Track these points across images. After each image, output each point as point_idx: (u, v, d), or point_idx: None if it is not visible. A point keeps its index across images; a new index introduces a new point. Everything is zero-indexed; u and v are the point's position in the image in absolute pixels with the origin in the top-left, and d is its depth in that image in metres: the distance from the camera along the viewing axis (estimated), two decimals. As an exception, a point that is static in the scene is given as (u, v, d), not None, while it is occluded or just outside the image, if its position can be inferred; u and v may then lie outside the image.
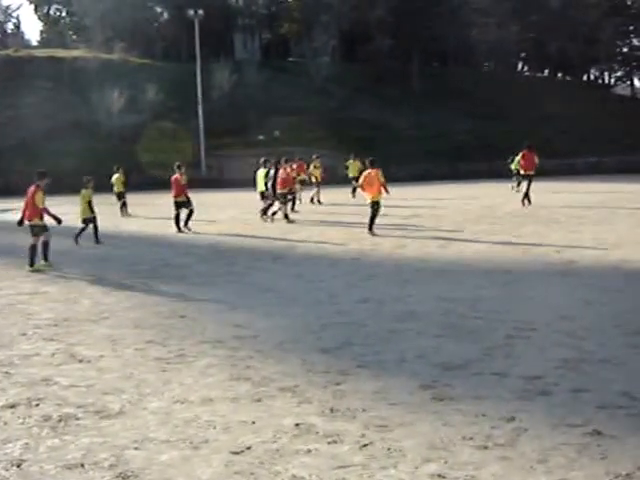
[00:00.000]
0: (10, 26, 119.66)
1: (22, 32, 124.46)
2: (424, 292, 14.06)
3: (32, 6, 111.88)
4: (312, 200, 38.75)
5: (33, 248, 18.90)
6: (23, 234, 23.54)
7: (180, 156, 58.79)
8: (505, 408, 7.45)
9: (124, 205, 36.72)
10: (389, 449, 6.51)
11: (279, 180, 29.58)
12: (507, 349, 9.73)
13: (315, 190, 39.35)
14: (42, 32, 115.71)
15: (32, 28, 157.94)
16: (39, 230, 19.12)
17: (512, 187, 42.53)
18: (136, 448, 6.67)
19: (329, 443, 6.69)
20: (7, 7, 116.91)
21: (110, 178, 37.50)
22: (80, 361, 9.65)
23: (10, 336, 11.17)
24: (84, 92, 70.62)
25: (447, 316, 11.80)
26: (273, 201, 29.80)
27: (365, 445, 6.62)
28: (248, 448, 6.60)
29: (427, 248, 20.37)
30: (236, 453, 6.50)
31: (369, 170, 24.22)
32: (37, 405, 7.90)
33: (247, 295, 14.35)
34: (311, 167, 40.81)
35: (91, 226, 24.29)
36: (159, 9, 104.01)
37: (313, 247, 21.55)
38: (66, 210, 38.94)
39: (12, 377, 8.99)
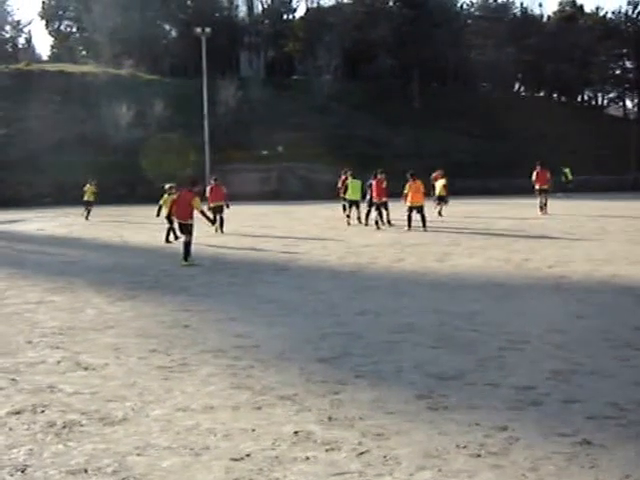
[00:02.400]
0: (21, 41, 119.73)
1: (33, 47, 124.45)
2: (421, 305, 14.19)
3: (43, 22, 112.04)
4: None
5: (187, 244, 21.61)
6: (30, 245, 23.78)
7: (191, 170, 59.30)
8: (498, 418, 7.56)
9: (89, 213, 42.10)
10: (385, 457, 6.61)
11: (375, 190, 32.77)
12: (500, 360, 9.85)
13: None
14: (52, 47, 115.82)
15: (43, 43, 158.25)
16: (191, 229, 21.87)
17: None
18: (138, 454, 6.75)
19: (327, 451, 6.79)
20: (18, 22, 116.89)
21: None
22: (85, 369, 9.73)
23: (16, 344, 11.24)
24: (92, 106, 70.65)
25: (442, 328, 11.92)
26: (370, 210, 33.06)
27: (362, 453, 6.72)
28: (248, 455, 6.69)
29: (424, 262, 20.48)
30: (236, 460, 6.58)
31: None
32: (42, 412, 7.97)
33: (249, 306, 14.46)
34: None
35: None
36: (167, 27, 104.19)
37: (314, 260, 21.61)
38: (71, 221, 39.35)
39: (18, 384, 9.06)
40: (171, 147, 66.48)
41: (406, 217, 30.78)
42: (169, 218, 26.10)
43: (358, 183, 34.39)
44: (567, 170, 60.36)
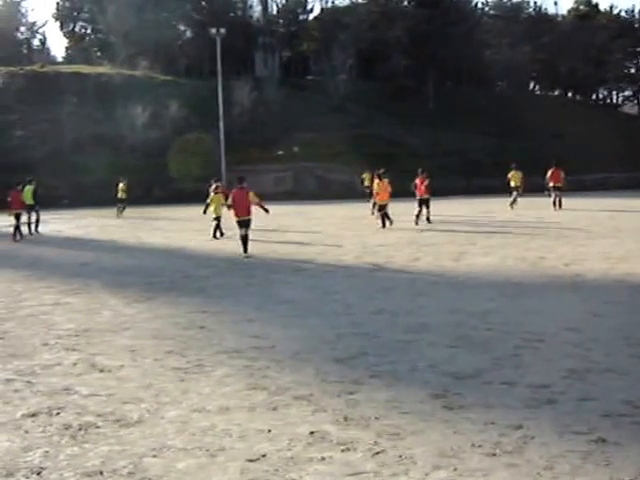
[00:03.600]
0: (36, 42, 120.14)
1: (48, 48, 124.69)
2: (436, 304, 14.17)
3: (58, 23, 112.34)
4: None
5: (245, 238, 23.36)
6: (47, 246, 23.82)
7: (206, 170, 59.49)
8: (513, 416, 7.55)
9: (122, 209, 45.63)
10: (401, 456, 6.61)
11: (418, 188, 34.03)
12: (516, 359, 9.83)
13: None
14: (67, 48, 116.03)
15: (58, 45, 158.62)
16: (249, 223, 23.70)
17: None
18: (154, 456, 6.76)
19: (342, 451, 6.78)
20: (33, 24, 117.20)
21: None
22: (100, 371, 9.75)
23: (32, 346, 11.27)
24: (108, 107, 70.76)
25: (458, 327, 11.90)
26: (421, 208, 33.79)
27: (377, 453, 6.72)
28: (263, 456, 6.69)
29: (440, 261, 20.44)
30: (251, 461, 6.59)
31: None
32: (58, 414, 8.00)
33: (265, 307, 14.46)
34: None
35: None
36: (182, 27, 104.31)
37: (331, 260, 21.59)
38: (89, 222, 39.46)
39: (34, 386, 9.09)
40: (187, 148, 66.60)
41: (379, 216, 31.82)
42: (217, 218, 29.13)
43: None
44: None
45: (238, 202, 23.65)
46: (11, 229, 31.80)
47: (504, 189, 44.91)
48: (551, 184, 41.73)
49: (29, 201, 34.77)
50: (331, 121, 76.66)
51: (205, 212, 29.86)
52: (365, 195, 50.11)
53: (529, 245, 23.47)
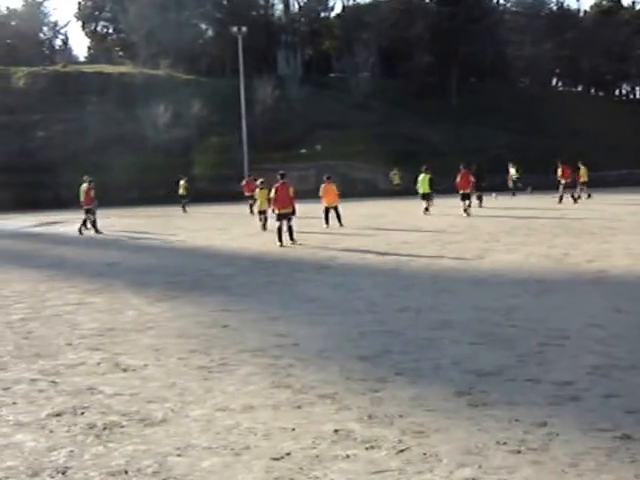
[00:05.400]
0: (58, 42, 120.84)
1: (70, 48, 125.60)
2: (460, 301, 14.10)
3: (80, 23, 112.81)
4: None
5: (279, 230, 25.29)
6: (70, 246, 23.87)
7: (229, 169, 59.70)
8: (538, 413, 7.49)
9: (185, 205, 49.41)
10: (425, 454, 6.57)
11: (459, 182, 37.30)
12: (540, 356, 9.75)
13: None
14: (89, 48, 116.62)
15: (80, 44, 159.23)
16: (290, 215, 25.80)
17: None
18: (179, 455, 6.75)
19: (367, 449, 6.75)
20: (55, 24, 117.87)
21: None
22: (124, 370, 9.76)
23: (57, 346, 11.30)
24: (130, 107, 70.98)
25: (482, 324, 11.83)
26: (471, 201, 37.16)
27: (402, 450, 6.68)
28: (288, 454, 6.67)
29: (463, 258, 20.34)
30: (276, 459, 6.57)
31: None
32: (82, 413, 8.00)
33: (288, 305, 14.43)
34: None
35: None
36: (204, 26, 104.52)
37: (354, 257, 21.56)
38: (112, 222, 39.57)
39: (58, 386, 9.11)
40: (209, 147, 66.76)
41: (324, 216, 32.52)
42: (262, 212, 31.33)
43: (426, 177, 38.70)
44: (513, 169, 60.67)
45: (280, 196, 25.63)
46: (36, 229, 32.06)
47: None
48: (562, 181, 44.50)
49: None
50: (353, 119, 76.62)
51: (252, 211, 30.90)
52: (393, 193, 51.68)
53: (553, 242, 23.34)
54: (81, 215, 35.21)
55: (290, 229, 25.75)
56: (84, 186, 35.51)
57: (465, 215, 35.58)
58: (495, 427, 7.18)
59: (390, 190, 60.43)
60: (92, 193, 35.00)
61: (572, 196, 44.04)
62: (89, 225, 34.95)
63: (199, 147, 67.52)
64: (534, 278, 16.58)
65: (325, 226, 31.64)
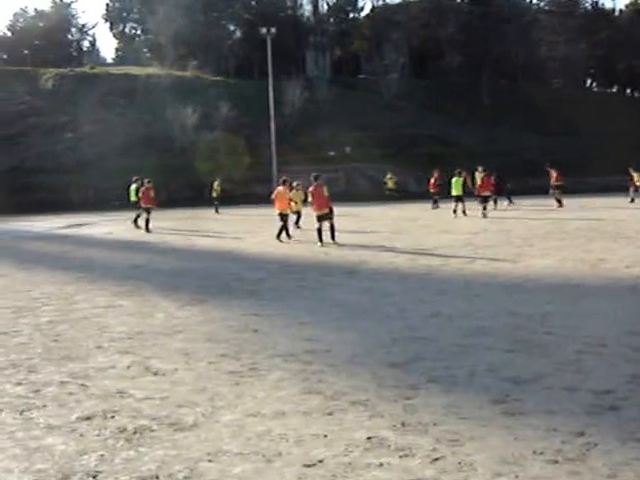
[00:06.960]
0: (86, 44, 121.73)
1: (98, 50, 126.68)
2: (493, 307, 13.94)
3: (108, 24, 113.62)
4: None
5: (319, 231, 25.86)
6: (98, 248, 23.88)
7: (258, 171, 59.85)
8: (575, 423, 7.37)
9: (217, 206, 51.40)
10: (460, 463, 6.48)
11: (479, 185, 38.63)
12: (577, 364, 9.60)
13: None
14: (117, 50, 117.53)
15: (107, 46, 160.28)
16: (328, 215, 26.04)
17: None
18: (210, 460, 6.69)
19: (401, 457, 6.67)
20: (83, 25, 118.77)
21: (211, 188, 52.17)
22: (154, 374, 9.72)
23: (86, 349, 11.28)
24: (158, 108, 71.30)
25: (517, 331, 11.66)
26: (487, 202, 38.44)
27: (436, 459, 6.59)
28: (320, 461, 6.60)
29: (496, 263, 20.15)
30: (308, 466, 6.50)
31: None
32: (112, 417, 7.97)
33: (318, 309, 14.36)
34: None
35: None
36: (232, 27, 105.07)
37: (384, 262, 21.42)
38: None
39: (88, 389, 9.08)
40: (237, 149, 66.88)
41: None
42: (298, 212, 31.64)
43: (459, 180, 39.41)
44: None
45: (316, 197, 26.12)
46: (65, 230, 32.22)
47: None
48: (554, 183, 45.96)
49: (134, 198, 38.75)
50: (383, 120, 76.63)
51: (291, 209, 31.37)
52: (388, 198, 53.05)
53: (588, 247, 23.13)
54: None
55: (332, 228, 25.95)
56: (134, 186, 37.54)
57: (482, 217, 36.36)
58: (532, 436, 7.05)
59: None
60: (151, 193, 35.95)
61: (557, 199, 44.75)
62: (140, 223, 36.22)
63: (227, 149, 67.64)
64: (569, 284, 16.41)
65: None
